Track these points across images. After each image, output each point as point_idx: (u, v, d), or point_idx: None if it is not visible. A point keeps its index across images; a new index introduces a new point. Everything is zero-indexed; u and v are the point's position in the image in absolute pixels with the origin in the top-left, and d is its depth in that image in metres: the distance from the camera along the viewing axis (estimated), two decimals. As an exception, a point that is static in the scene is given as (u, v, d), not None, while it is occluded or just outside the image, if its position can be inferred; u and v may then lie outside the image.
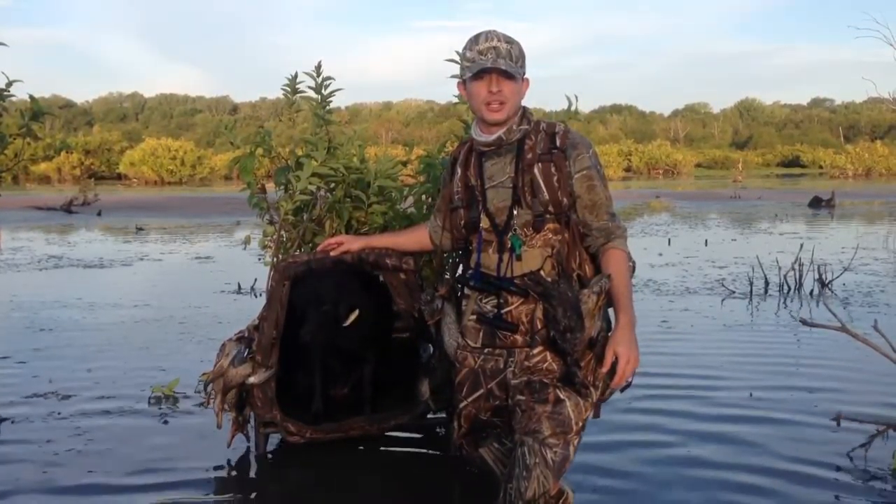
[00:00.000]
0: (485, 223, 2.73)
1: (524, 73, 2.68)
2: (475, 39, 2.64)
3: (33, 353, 5.35)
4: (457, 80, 2.85)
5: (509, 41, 2.62)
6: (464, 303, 2.87)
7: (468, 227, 2.78)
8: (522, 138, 2.70)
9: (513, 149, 2.70)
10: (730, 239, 12.74)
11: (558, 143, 2.67)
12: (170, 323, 6.35)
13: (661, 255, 10.49)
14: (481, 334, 2.75)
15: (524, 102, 2.74)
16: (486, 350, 2.75)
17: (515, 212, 2.67)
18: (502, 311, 2.68)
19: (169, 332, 6.01)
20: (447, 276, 3.38)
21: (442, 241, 2.99)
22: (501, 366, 2.72)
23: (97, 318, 6.57)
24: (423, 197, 3.77)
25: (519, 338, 2.67)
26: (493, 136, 2.69)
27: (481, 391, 2.76)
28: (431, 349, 3.41)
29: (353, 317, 3.23)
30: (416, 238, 3.17)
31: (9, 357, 5.21)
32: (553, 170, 2.64)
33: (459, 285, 2.93)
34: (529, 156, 2.67)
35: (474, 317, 2.77)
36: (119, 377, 4.71)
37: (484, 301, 2.74)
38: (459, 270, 3.12)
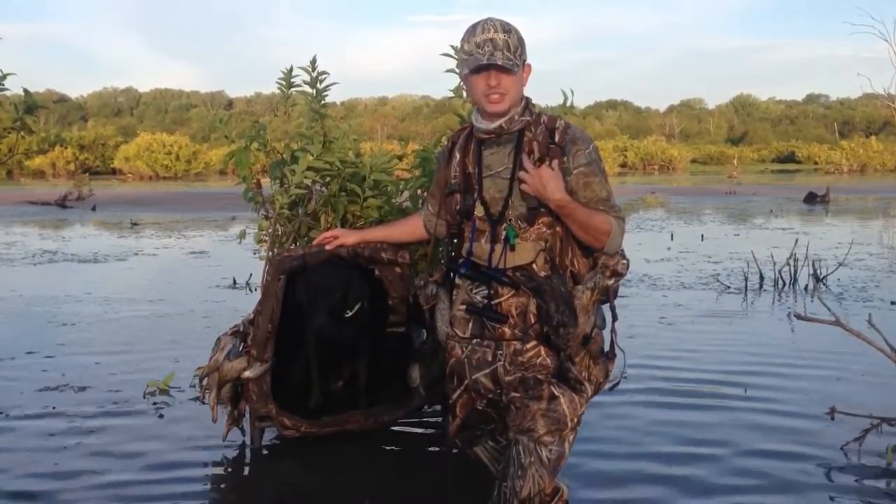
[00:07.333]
0: (479, 212, 2.69)
1: (524, 61, 2.64)
2: (472, 30, 2.60)
3: (58, 347, 5.34)
4: (455, 73, 2.84)
5: (507, 30, 2.59)
6: (454, 292, 2.85)
7: (462, 214, 2.75)
8: (523, 129, 2.67)
9: (513, 139, 2.67)
10: (726, 234, 12.75)
11: (557, 138, 2.64)
12: (192, 317, 6.33)
13: (669, 248, 10.65)
14: (470, 324, 2.73)
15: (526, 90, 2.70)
16: (473, 340, 2.73)
17: (511, 203, 2.66)
18: (492, 302, 2.67)
19: (195, 326, 5.98)
20: (442, 262, 3.37)
21: (436, 230, 2.98)
22: (489, 358, 2.70)
23: (118, 312, 6.55)
24: (419, 191, 3.76)
25: (507, 330, 2.66)
26: (494, 125, 2.66)
27: (466, 382, 2.76)
28: (424, 335, 3.41)
29: (356, 307, 3.22)
30: (410, 228, 3.16)
31: (35, 352, 5.19)
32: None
33: (451, 273, 2.90)
34: (527, 149, 2.65)
35: (464, 307, 2.75)
36: (135, 371, 4.68)
37: (475, 291, 2.73)
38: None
